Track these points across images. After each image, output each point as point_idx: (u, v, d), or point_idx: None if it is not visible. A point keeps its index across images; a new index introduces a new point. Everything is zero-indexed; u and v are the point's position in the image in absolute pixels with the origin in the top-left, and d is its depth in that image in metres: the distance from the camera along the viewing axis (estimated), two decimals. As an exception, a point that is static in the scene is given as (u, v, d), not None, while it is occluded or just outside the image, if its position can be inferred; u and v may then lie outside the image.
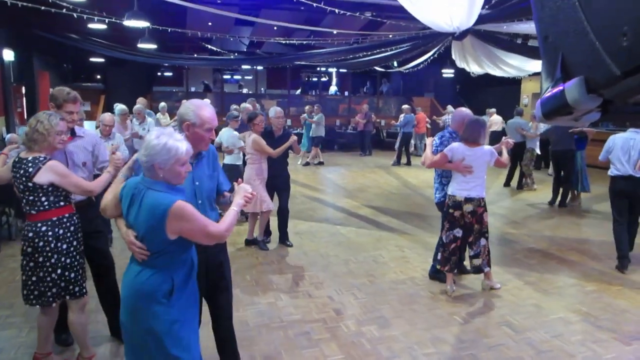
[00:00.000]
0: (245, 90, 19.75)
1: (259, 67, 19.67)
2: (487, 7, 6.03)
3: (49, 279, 2.97)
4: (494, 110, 13.30)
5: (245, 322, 3.97)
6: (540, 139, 9.75)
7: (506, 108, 12.57)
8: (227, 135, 6.61)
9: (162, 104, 10.61)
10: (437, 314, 4.20)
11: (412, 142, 14.55)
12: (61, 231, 2.98)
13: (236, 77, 22.04)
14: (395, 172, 12.04)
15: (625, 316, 4.20)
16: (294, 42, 10.97)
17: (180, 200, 2.14)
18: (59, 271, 2.98)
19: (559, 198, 8.56)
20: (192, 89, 18.46)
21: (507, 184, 10.34)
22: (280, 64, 15.31)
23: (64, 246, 2.99)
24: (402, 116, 13.76)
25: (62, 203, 3.00)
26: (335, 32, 10.52)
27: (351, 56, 10.84)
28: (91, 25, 9.16)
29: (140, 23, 7.89)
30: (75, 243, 3.07)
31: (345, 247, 6.07)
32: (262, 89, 20.27)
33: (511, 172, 10.16)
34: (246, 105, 8.18)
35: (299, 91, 20.08)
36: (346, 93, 20.18)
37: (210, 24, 12.91)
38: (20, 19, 9.78)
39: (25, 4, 6.71)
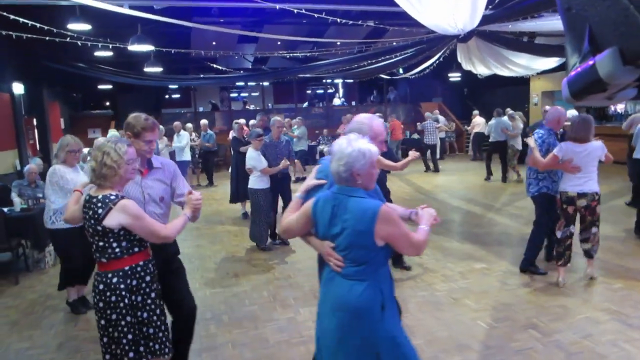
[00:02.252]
0: (252, 107, 19.84)
1: (265, 83, 19.77)
2: (490, 7, 5.98)
3: (124, 340, 2.52)
4: (477, 112, 13.94)
5: (265, 339, 3.90)
6: (527, 134, 10.19)
7: (516, 108, 12.40)
8: (248, 155, 6.27)
9: (177, 123, 11.05)
10: (460, 320, 4.09)
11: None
12: (135, 282, 2.56)
13: (243, 94, 22.19)
14: (407, 178, 11.93)
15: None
16: (298, 55, 11.01)
17: (385, 204, 2.14)
18: (135, 329, 2.55)
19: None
20: (200, 109, 18.61)
21: (503, 179, 10.90)
22: (286, 78, 15.37)
23: (139, 299, 2.57)
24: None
25: (136, 249, 2.58)
26: (339, 42, 10.54)
27: (356, 65, 10.83)
28: (97, 53, 9.30)
29: (145, 47, 7.99)
30: (153, 295, 2.63)
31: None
32: (270, 104, 20.37)
33: (503, 169, 10.87)
34: (277, 118, 7.40)
35: (305, 104, 20.13)
36: (353, 103, 20.18)
37: (214, 43, 13.04)
38: (28, 52, 9.97)
39: (29, 35, 6.81)
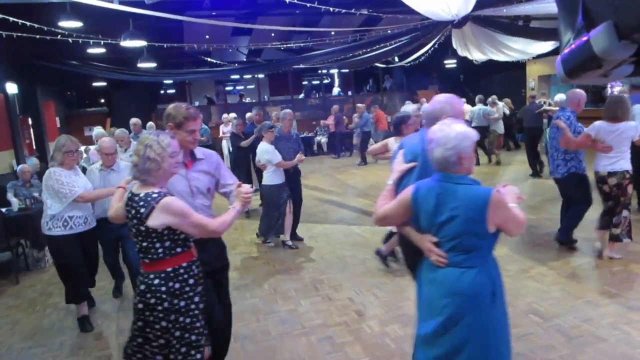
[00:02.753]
0: (248, 99, 19.75)
1: (261, 75, 19.65)
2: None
3: (155, 344, 2.41)
4: (463, 100, 13.73)
5: (267, 332, 3.91)
6: (514, 118, 11.84)
7: (512, 93, 12.38)
8: (261, 150, 5.92)
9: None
10: (461, 307, 4.09)
11: (372, 140, 14.63)
12: (177, 285, 2.40)
13: (238, 87, 22.06)
14: (406, 168, 11.89)
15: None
16: (293, 46, 10.93)
17: (496, 190, 2.12)
18: (177, 334, 2.41)
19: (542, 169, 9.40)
20: (196, 103, 18.50)
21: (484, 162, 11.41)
22: (281, 69, 15.27)
23: (182, 303, 2.41)
24: (355, 115, 13.84)
25: (178, 250, 2.42)
26: (333, 31, 10.46)
27: (351, 54, 10.74)
28: (90, 50, 9.21)
29: (138, 43, 7.90)
30: (196, 299, 2.48)
31: (362, 246, 5.98)
32: (265, 96, 20.26)
33: (486, 152, 11.45)
34: (287, 110, 6.90)
35: (302, 95, 20.03)
36: (349, 92, 20.09)
37: (207, 37, 12.93)
38: (20, 51, 9.87)
39: (20, 34, 6.74)
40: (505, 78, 16.03)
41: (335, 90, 21.09)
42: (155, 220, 2.30)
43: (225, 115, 12.97)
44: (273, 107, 17.09)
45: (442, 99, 2.54)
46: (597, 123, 4.65)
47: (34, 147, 11.61)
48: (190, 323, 2.43)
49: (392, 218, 2.34)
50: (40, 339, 4.10)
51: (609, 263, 4.82)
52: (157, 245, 2.37)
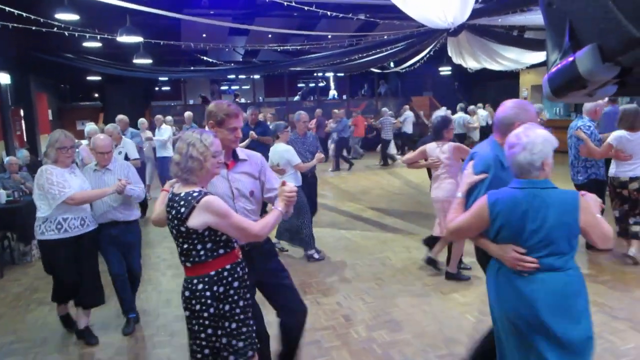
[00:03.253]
0: (243, 100, 19.74)
1: (256, 76, 19.66)
2: (480, 0, 5.98)
3: (199, 355, 2.32)
4: (444, 108, 14.33)
5: (254, 334, 3.89)
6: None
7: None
8: (279, 150, 5.49)
9: (159, 116, 10.18)
10: (448, 314, 4.11)
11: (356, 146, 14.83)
12: (222, 289, 2.28)
13: (234, 87, 22.04)
14: (397, 173, 11.96)
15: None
16: (289, 48, 10.95)
17: (580, 193, 2.15)
18: (223, 340, 2.30)
19: None
20: (191, 102, 18.45)
21: None
22: (277, 71, 15.30)
23: (227, 307, 2.30)
24: (330, 121, 13.80)
25: (221, 251, 2.30)
26: (329, 35, 10.49)
27: (347, 59, 10.79)
28: (86, 44, 9.16)
29: (134, 38, 7.89)
30: (241, 303, 2.35)
31: (352, 251, 5.98)
32: (260, 97, 20.26)
33: None
34: (301, 112, 6.48)
35: (297, 98, 20.06)
36: (344, 96, 20.14)
37: (204, 35, 12.92)
38: (14, 42, 9.79)
39: (16, 25, 6.69)
40: (499, 86, 16.17)
41: (332, 93, 21.14)
42: (196, 220, 2.19)
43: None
44: (268, 108, 17.11)
45: (514, 104, 2.49)
46: (618, 133, 4.85)
47: (25, 139, 11.52)
48: (237, 328, 2.33)
49: (465, 231, 2.29)
50: (24, 334, 4.05)
51: (597, 273, 4.87)
52: (199, 247, 2.26)
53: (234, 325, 2.31)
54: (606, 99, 8.97)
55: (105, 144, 3.96)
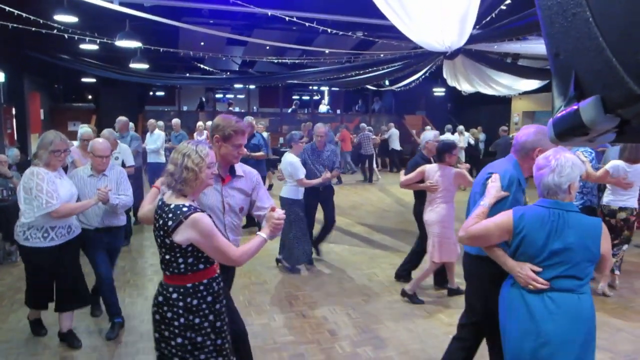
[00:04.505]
0: (237, 109, 19.79)
1: (252, 86, 19.76)
2: (477, 27, 6.11)
3: None
4: (428, 127, 14.77)
5: (239, 345, 3.88)
6: (485, 149, 13.34)
7: (497, 126, 12.75)
8: (286, 160, 5.50)
9: (152, 120, 9.97)
10: (432, 333, 4.14)
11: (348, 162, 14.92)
12: (195, 302, 2.31)
13: (228, 95, 22.11)
14: (388, 189, 12.03)
15: (621, 335, 4.16)
16: (287, 61, 11.03)
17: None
18: (190, 349, 2.33)
19: None
20: (184, 108, 18.48)
21: None
22: (273, 83, 15.39)
23: (196, 320, 2.32)
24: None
25: (201, 266, 2.31)
26: (327, 51, 10.61)
27: (343, 75, 10.91)
28: (83, 46, 9.16)
29: (132, 43, 7.91)
30: (210, 317, 2.36)
31: (339, 265, 6.00)
32: (255, 107, 20.34)
33: None
34: (319, 125, 6.35)
35: (291, 109, 20.18)
36: (338, 111, 20.30)
37: (202, 43, 12.99)
38: (10, 40, 9.76)
39: (15, 25, 6.69)
40: (490, 111, 16.43)
41: (323, 107, 21.26)
42: (181, 235, 2.20)
43: (200, 123, 12.27)
44: (262, 118, 17.15)
45: (536, 130, 2.57)
46: (615, 163, 4.96)
47: (15, 138, 11.42)
48: (201, 342, 2.33)
49: (485, 239, 2.33)
50: (6, 335, 4.00)
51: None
52: (180, 260, 2.27)
53: (199, 339, 2.32)
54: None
55: (105, 147, 3.85)
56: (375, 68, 9.58)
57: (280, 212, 2.48)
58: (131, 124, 9.41)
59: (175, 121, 10.86)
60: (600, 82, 0.56)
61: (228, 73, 15.88)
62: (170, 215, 2.22)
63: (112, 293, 4.01)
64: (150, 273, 5.64)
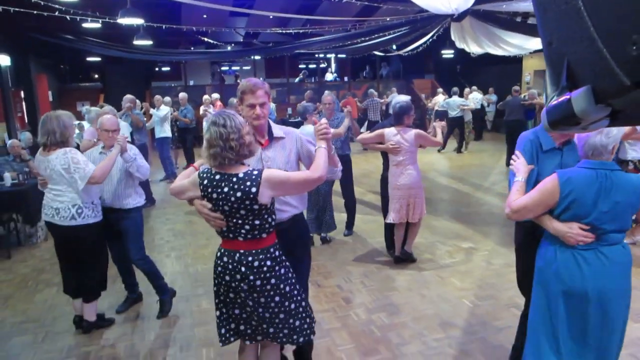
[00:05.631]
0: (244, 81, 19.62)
1: (257, 57, 19.54)
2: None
3: (277, 320, 2.43)
4: (440, 90, 14.90)
5: (257, 316, 4.00)
6: (496, 110, 13.51)
7: (508, 86, 12.51)
8: (307, 131, 5.50)
9: (157, 96, 10.07)
10: (445, 298, 4.22)
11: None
12: (277, 253, 2.43)
13: (234, 67, 21.92)
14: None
15: (634, 294, 4.18)
16: (291, 31, 10.87)
17: None
18: (284, 304, 2.44)
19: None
20: (191, 83, 18.38)
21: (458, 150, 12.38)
22: (278, 54, 15.19)
23: (282, 270, 2.42)
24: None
25: (273, 223, 2.41)
26: (331, 19, 10.42)
27: (349, 42, 10.74)
28: (85, 25, 9.10)
29: (135, 20, 7.83)
30: (287, 263, 2.49)
31: (352, 234, 6.07)
32: (261, 78, 20.14)
33: (460, 141, 12.43)
34: (327, 93, 6.25)
35: (298, 79, 19.97)
36: (345, 78, 20.05)
37: (205, 16, 12.81)
38: (13, 23, 9.72)
39: (17, 9, 6.66)
40: (501, 71, 16.10)
41: (330, 76, 21.01)
42: (265, 195, 2.26)
43: (206, 97, 12.26)
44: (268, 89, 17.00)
45: None
46: None
47: (26, 121, 11.52)
48: (290, 291, 2.44)
49: (531, 209, 2.36)
50: (32, 314, 4.16)
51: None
52: (269, 220, 2.36)
53: (287, 289, 2.43)
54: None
55: (112, 122, 3.92)
56: (381, 34, 9.41)
57: (322, 119, 2.56)
58: (137, 102, 9.45)
59: (182, 95, 10.80)
60: (591, 72, 0.57)
61: (233, 45, 15.70)
62: (248, 183, 2.25)
63: (127, 268, 4.22)
64: (167, 249, 5.76)
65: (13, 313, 4.20)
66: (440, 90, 14.74)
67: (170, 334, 3.75)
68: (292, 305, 2.44)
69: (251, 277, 2.32)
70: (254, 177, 2.26)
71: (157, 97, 9.95)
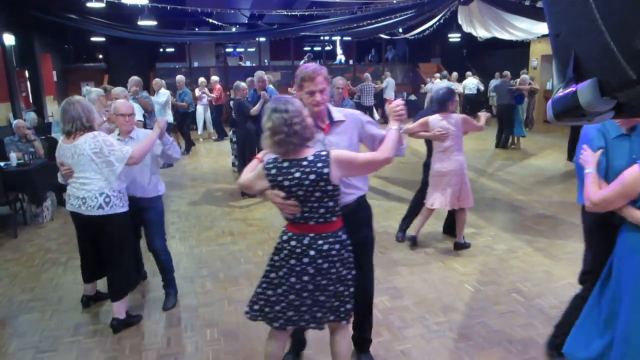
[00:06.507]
0: (249, 63, 19.52)
1: (262, 38, 19.38)
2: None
3: (347, 292, 2.48)
4: (437, 75, 14.64)
5: (260, 298, 4.04)
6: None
7: (515, 71, 12.41)
8: None
9: (157, 79, 9.72)
10: (447, 282, 4.25)
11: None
12: (344, 236, 2.44)
13: (239, 49, 21.76)
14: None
15: None
16: (296, 13, 10.76)
17: None
18: (342, 286, 2.48)
19: (509, 142, 11.00)
20: (195, 64, 18.29)
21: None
22: (283, 36, 15.07)
23: (346, 254, 2.45)
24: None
25: (338, 212, 2.41)
26: (337, 0, 10.30)
27: (355, 25, 10.62)
28: (90, 5, 9.05)
29: (139, 0, 7.78)
30: (350, 248, 2.49)
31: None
32: (266, 60, 20.02)
33: None
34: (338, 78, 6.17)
35: (303, 62, 19.83)
36: (351, 62, 19.89)
37: (210, -4, 12.68)
38: (18, 2, 9.67)
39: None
40: (508, 55, 15.92)
41: (339, 58, 20.83)
42: (335, 176, 2.28)
43: (202, 79, 12.31)
44: (273, 72, 16.93)
45: None
46: None
47: (31, 101, 11.52)
48: (347, 275, 2.46)
49: (612, 201, 2.35)
50: (40, 293, 4.22)
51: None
52: (338, 200, 2.37)
53: (345, 272, 2.46)
54: None
55: (127, 106, 3.75)
56: (387, 17, 9.30)
57: (398, 100, 2.56)
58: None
59: (179, 78, 10.62)
60: (598, 65, 0.57)
61: (237, 27, 15.57)
62: (319, 164, 2.26)
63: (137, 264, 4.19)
64: (172, 231, 5.80)
65: (20, 291, 4.26)
66: (437, 75, 14.67)
67: (174, 314, 3.81)
68: (346, 292, 2.48)
69: (319, 261, 2.34)
70: (323, 157, 2.27)
71: (156, 80, 9.63)
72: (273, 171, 2.33)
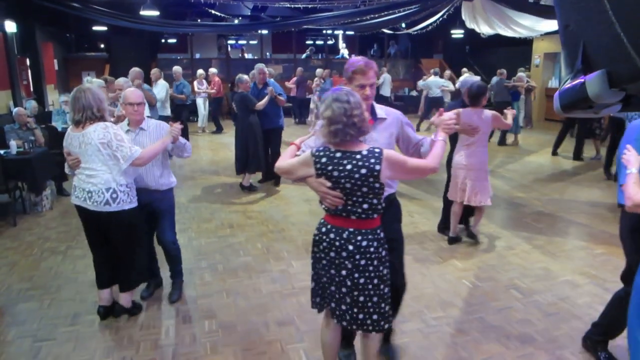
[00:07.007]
0: (251, 56, 19.44)
1: (264, 31, 19.30)
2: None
3: (369, 303, 2.40)
4: (436, 70, 14.33)
5: (259, 289, 4.06)
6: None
7: (517, 68, 12.39)
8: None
9: (155, 70, 9.16)
10: (446, 278, 4.26)
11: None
12: (382, 234, 2.42)
13: (241, 42, 21.67)
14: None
15: (633, 278, 4.22)
16: (299, 6, 10.70)
17: None
18: (379, 287, 2.43)
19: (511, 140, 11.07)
20: (197, 56, 18.22)
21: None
22: (286, 29, 14.99)
23: (383, 252, 2.43)
24: (316, 79, 13.14)
25: (380, 211, 2.38)
26: (341, -6, 10.25)
27: (358, 19, 10.57)
28: (92, -7, 9.00)
29: (142, -10, 7.73)
30: (386, 246, 2.47)
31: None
32: (268, 53, 19.95)
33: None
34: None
35: (304, 55, 19.74)
36: (353, 56, 19.82)
37: (212, -13, 12.60)
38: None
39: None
40: (510, 53, 15.88)
41: (342, 52, 20.75)
42: (384, 174, 2.27)
43: (200, 71, 12.20)
44: (275, 65, 16.87)
45: None
46: None
47: (32, 89, 11.48)
48: (386, 274, 2.44)
49: None
50: (38, 281, 4.22)
51: (593, 245, 4.99)
52: (382, 199, 2.36)
53: (385, 271, 2.44)
54: None
55: (137, 95, 3.56)
56: (391, 11, 9.26)
57: (449, 114, 2.57)
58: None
59: (176, 69, 10.41)
60: (607, 56, 0.56)
61: (240, 18, 15.49)
62: (372, 160, 2.25)
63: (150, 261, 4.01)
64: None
65: (19, 279, 4.27)
66: (434, 70, 14.53)
67: (173, 305, 3.81)
68: (385, 289, 2.45)
69: (357, 257, 2.33)
70: (376, 154, 2.26)
71: (154, 70, 9.18)
72: (323, 159, 2.31)
